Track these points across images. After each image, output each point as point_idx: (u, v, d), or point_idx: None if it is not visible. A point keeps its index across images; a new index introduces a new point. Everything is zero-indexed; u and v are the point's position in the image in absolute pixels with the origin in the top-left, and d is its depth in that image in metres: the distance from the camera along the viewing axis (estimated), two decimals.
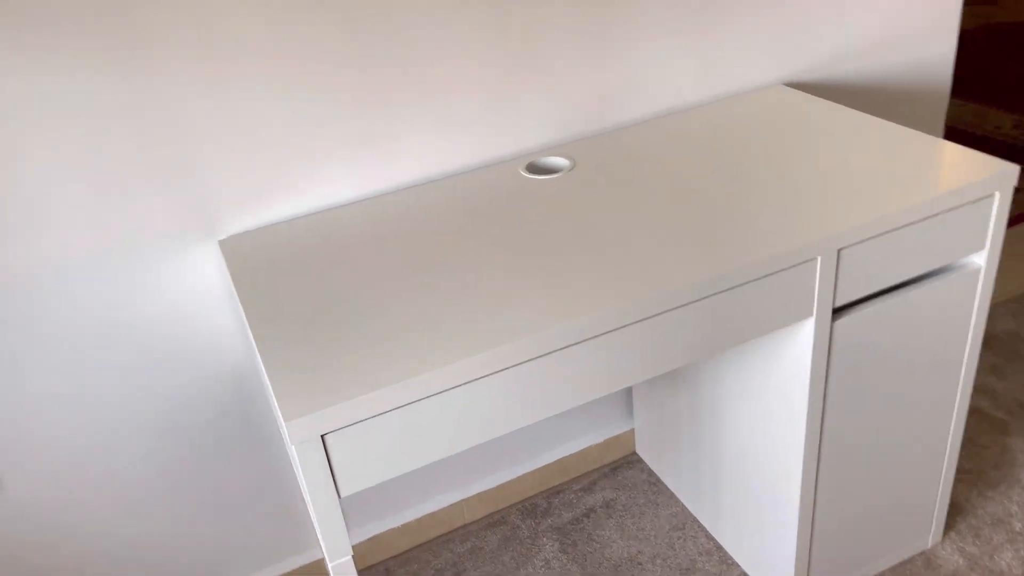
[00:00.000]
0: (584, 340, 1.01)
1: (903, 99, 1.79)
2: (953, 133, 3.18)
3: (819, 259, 1.12)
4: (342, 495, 0.96)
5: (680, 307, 1.05)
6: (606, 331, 1.02)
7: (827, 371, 1.24)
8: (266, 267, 1.19)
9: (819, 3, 1.59)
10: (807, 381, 1.23)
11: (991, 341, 2.10)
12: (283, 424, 0.89)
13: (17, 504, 1.34)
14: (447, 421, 0.98)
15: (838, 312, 1.22)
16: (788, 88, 1.60)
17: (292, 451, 0.93)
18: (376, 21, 1.26)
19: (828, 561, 1.47)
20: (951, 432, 1.45)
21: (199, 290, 1.32)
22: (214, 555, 1.56)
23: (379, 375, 0.93)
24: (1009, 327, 2.15)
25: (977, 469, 1.76)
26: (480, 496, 1.77)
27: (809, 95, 1.57)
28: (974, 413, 1.90)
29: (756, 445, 1.41)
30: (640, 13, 1.44)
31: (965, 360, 1.37)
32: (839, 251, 1.13)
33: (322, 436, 0.91)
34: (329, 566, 0.99)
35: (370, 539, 1.69)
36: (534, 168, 1.41)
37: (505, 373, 0.98)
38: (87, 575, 1.45)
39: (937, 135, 1.90)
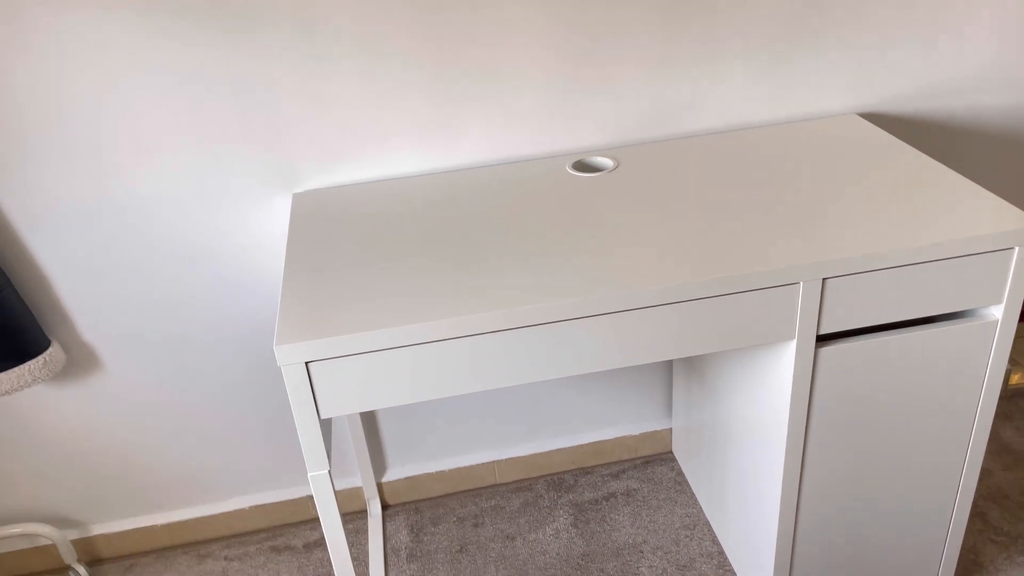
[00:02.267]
0: (553, 322, 1.13)
1: (993, 145, 1.72)
2: None
3: (801, 284, 1.17)
4: (322, 416, 1.14)
5: (662, 305, 1.14)
6: (573, 317, 1.13)
7: (810, 398, 1.27)
8: (323, 221, 1.38)
9: (909, 35, 1.58)
10: (787, 402, 1.27)
11: None
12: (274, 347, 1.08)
13: (116, 385, 1.64)
14: (427, 370, 1.13)
15: (825, 340, 1.25)
16: (861, 119, 1.60)
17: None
18: (458, 8, 1.41)
19: None
20: (959, 487, 1.43)
21: (276, 233, 1.54)
22: (267, 467, 1.80)
23: (368, 321, 1.10)
24: None
25: (1016, 533, 1.69)
26: (514, 461, 1.91)
27: (879, 129, 1.57)
28: None
29: (750, 460, 1.46)
30: (718, 26, 1.50)
31: (977, 415, 1.35)
32: (824, 280, 1.17)
33: (306, 363, 1.10)
34: (309, 475, 1.17)
35: (408, 479, 1.89)
36: (580, 166, 1.52)
37: (474, 338, 1.12)
38: (152, 456, 1.74)
39: None
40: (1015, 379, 2.11)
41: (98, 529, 1.81)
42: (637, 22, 1.47)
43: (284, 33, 1.37)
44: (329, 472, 1.18)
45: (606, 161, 1.51)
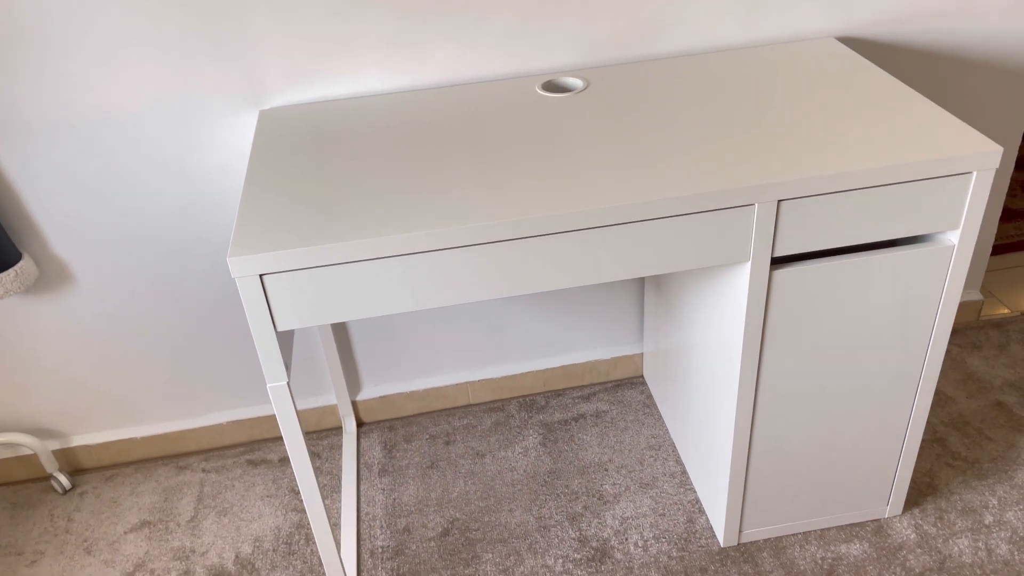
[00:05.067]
0: (511, 239, 1.13)
1: (975, 72, 1.70)
2: None
3: (756, 206, 1.17)
4: (279, 328, 1.16)
5: (618, 225, 1.15)
6: (532, 235, 1.13)
7: (764, 318, 1.29)
8: (286, 139, 1.38)
9: None
10: (742, 324, 1.29)
11: None
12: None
13: (89, 298, 1.66)
14: (385, 285, 1.15)
15: (779, 262, 1.26)
16: (838, 43, 1.58)
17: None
18: None
19: (766, 502, 1.53)
20: (913, 409, 1.45)
21: (244, 150, 1.54)
22: (245, 383, 1.84)
23: (324, 235, 1.11)
24: None
25: (973, 458, 1.72)
26: (487, 383, 1.95)
27: (855, 53, 1.54)
28: (996, 406, 1.84)
29: (709, 380, 1.49)
30: None
31: (931, 340, 1.37)
32: (779, 202, 1.17)
33: (260, 275, 1.11)
34: (268, 387, 1.20)
35: (381, 397, 1.92)
36: (550, 86, 1.51)
37: (433, 254, 1.13)
38: (130, 369, 1.78)
39: (1017, 129, 1.78)
40: (988, 310, 2.12)
41: (79, 440, 1.86)
42: None
43: None
44: (288, 384, 1.20)
45: (576, 82, 1.50)
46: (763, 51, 1.56)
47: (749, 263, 1.23)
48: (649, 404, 1.93)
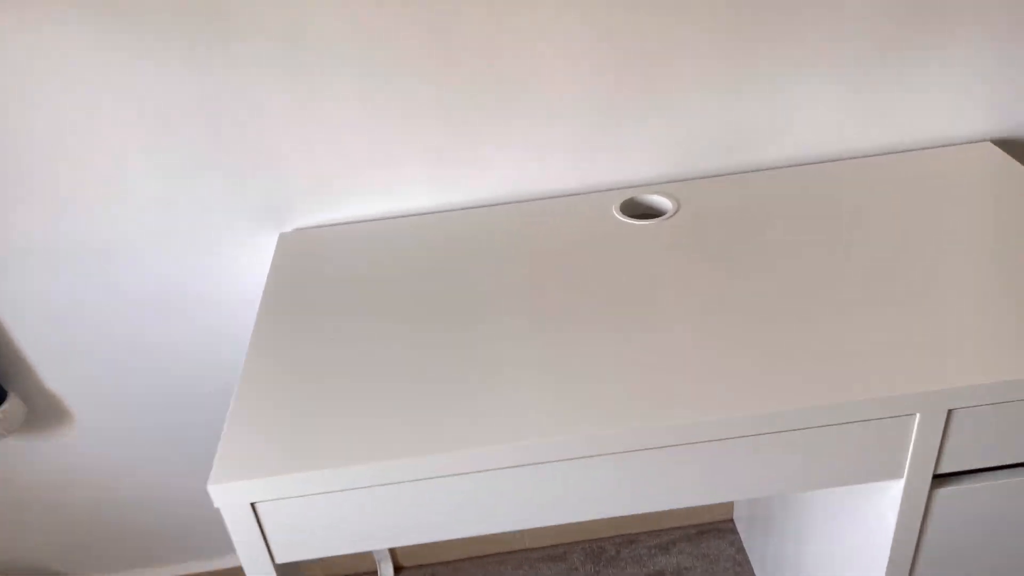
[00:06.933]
0: (577, 458, 0.85)
1: None
2: None
3: (917, 416, 0.86)
4: (278, 562, 0.90)
5: (718, 440, 0.85)
6: (604, 453, 0.85)
7: (918, 544, 0.97)
8: (304, 280, 1.12)
9: None
10: (887, 547, 0.98)
11: None
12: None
13: (87, 435, 1.43)
14: (413, 510, 0.87)
15: (943, 478, 0.94)
16: (997, 148, 1.25)
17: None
18: (477, 13, 1.11)
19: None
20: None
21: (258, 279, 1.29)
22: None
23: (336, 450, 0.84)
24: None
25: None
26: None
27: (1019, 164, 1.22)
28: None
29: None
30: (803, 29, 1.16)
31: None
32: (950, 412, 0.86)
33: (252, 504, 0.85)
34: None
35: (423, 543, 1.65)
36: (630, 207, 1.22)
37: (476, 475, 0.86)
38: (135, 510, 1.54)
39: None
40: None
41: None
42: (696, 29, 1.15)
43: (265, 42, 1.10)
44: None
45: (663, 201, 1.21)
46: (896, 160, 1.24)
47: (903, 480, 0.92)
48: (740, 560, 1.61)
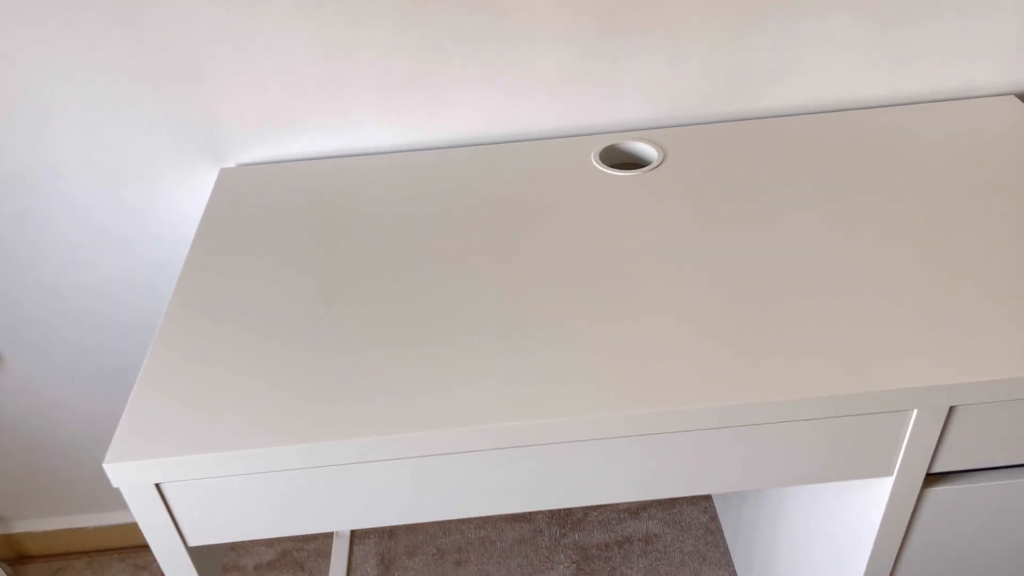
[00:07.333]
0: (542, 444, 0.75)
1: None
2: None
3: (915, 412, 0.76)
4: (190, 544, 0.80)
5: (699, 430, 0.75)
6: (567, 440, 0.75)
7: (903, 543, 0.89)
8: (240, 223, 1.00)
9: None
10: (869, 544, 0.89)
11: None
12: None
13: (15, 377, 1.33)
14: (338, 495, 0.78)
15: (935, 477, 0.85)
16: (1021, 103, 1.12)
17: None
18: None
19: None
20: None
21: (194, 217, 1.17)
22: None
23: (251, 429, 0.74)
24: None
25: None
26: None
27: None
28: None
29: (812, 565, 1.09)
30: None
31: None
32: (951, 408, 0.76)
33: (156, 484, 0.75)
34: None
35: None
36: (610, 155, 1.09)
37: (415, 460, 0.76)
38: (77, 452, 1.46)
39: None
40: None
41: (22, 526, 1.56)
42: None
43: None
44: None
45: (647, 150, 1.08)
46: (915, 112, 1.11)
47: (892, 479, 0.82)
48: (713, 529, 1.54)
